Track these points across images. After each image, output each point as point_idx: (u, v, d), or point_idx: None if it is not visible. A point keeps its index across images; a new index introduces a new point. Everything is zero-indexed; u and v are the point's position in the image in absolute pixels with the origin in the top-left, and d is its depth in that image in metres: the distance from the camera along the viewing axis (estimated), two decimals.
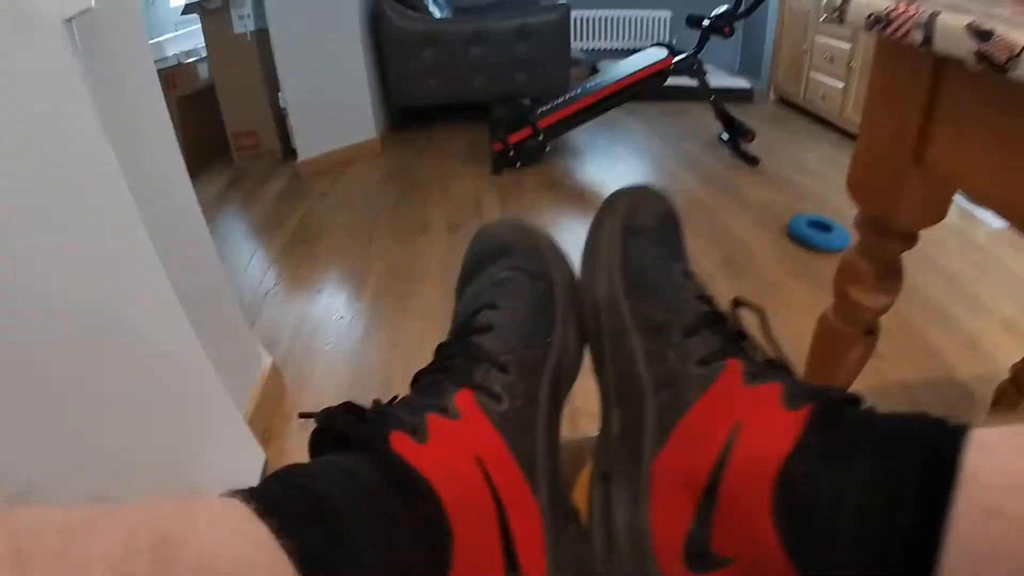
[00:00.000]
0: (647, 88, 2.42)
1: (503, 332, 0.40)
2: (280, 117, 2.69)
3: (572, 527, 0.38)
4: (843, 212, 1.91)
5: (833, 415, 0.30)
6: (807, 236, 1.83)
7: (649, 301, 0.40)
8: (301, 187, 2.53)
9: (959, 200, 1.96)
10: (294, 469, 0.27)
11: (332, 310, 1.65)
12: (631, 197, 0.45)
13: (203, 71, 2.67)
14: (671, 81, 2.47)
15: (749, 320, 0.40)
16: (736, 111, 2.63)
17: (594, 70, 3.47)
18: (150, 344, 0.80)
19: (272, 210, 2.33)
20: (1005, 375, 0.81)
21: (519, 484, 0.35)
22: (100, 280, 0.71)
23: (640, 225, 0.44)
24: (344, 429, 0.30)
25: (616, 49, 3.90)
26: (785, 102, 3.37)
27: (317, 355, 1.44)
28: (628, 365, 0.39)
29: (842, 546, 0.26)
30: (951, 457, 0.24)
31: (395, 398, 0.35)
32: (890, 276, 0.70)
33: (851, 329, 0.72)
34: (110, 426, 0.70)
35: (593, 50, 3.92)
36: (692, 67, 2.43)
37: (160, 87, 1.00)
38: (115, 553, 0.17)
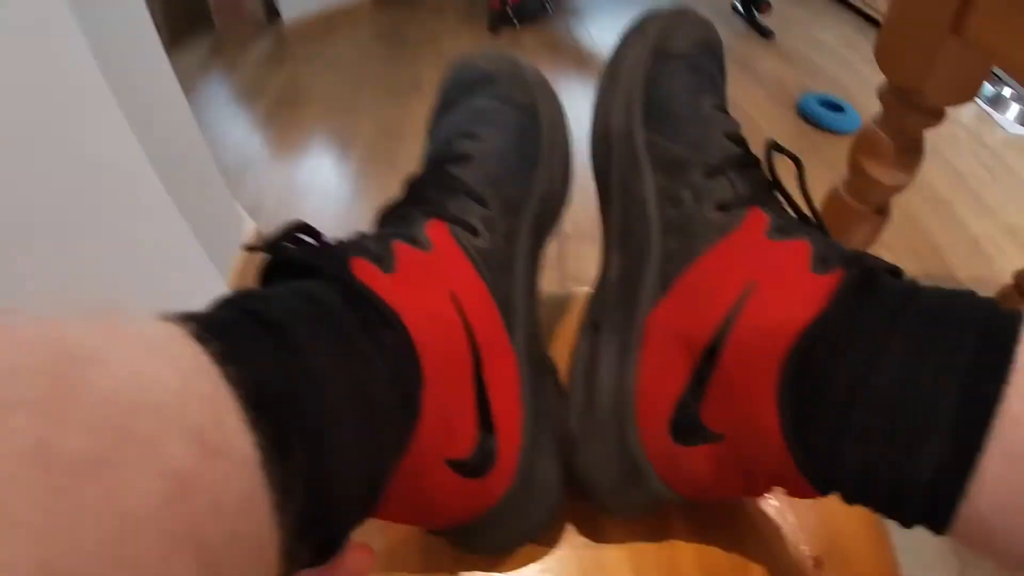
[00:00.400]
0: None
1: (483, 163, 0.35)
2: None
3: (550, 380, 0.35)
4: (856, 95, 1.83)
5: (869, 284, 0.24)
6: (818, 115, 1.76)
7: (670, 133, 0.34)
8: (286, 50, 2.37)
9: (978, 102, 1.88)
10: (245, 293, 0.22)
11: (319, 174, 1.60)
12: (666, 19, 0.38)
13: None
14: None
15: (784, 170, 0.34)
16: None
17: None
18: (122, 204, 0.77)
19: (256, 75, 2.21)
20: (1005, 280, 0.80)
21: (496, 327, 0.31)
22: (68, 146, 0.67)
23: (672, 50, 0.37)
24: (297, 256, 0.25)
25: None
26: None
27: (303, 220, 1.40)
28: (636, 204, 0.34)
29: (856, 438, 0.22)
30: (1005, 346, 0.20)
31: (357, 233, 0.30)
32: (910, 153, 0.66)
33: (862, 206, 0.69)
34: (85, 276, 0.68)
35: None
36: None
37: None
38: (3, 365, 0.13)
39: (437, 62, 2.16)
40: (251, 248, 0.26)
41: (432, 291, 0.28)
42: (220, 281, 1.03)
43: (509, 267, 0.34)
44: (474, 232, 0.33)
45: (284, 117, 1.89)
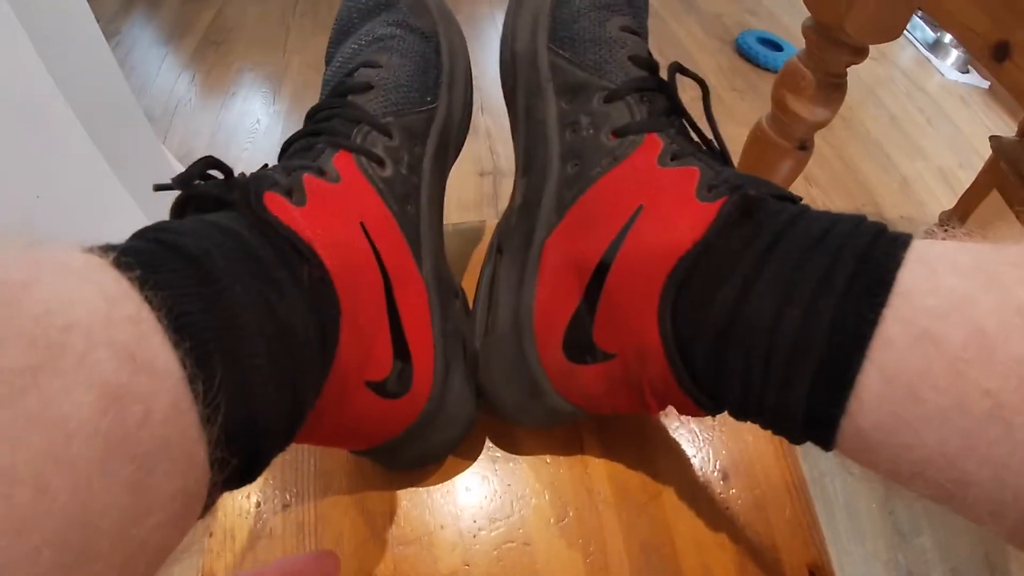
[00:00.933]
0: None
1: (384, 92, 0.35)
2: None
3: (456, 304, 0.36)
4: (796, 35, 1.83)
5: (752, 210, 0.25)
6: (756, 52, 1.77)
7: (573, 56, 0.34)
8: None
9: (918, 46, 1.90)
10: (158, 225, 0.22)
11: (248, 114, 1.55)
12: None
13: None
14: None
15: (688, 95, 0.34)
16: None
17: None
18: (44, 152, 0.73)
19: (180, 13, 2.08)
20: (933, 221, 0.83)
21: (405, 255, 0.32)
22: None
23: None
24: (208, 192, 0.25)
25: None
26: None
27: (234, 164, 1.35)
28: (539, 129, 0.34)
29: (736, 362, 0.23)
30: (885, 269, 0.20)
31: (264, 167, 0.30)
32: (832, 89, 0.67)
33: (784, 142, 0.71)
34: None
35: None
36: None
37: None
38: None
39: None
40: (160, 187, 0.26)
41: (342, 222, 0.29)
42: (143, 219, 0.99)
43: (415, 197, 0.34)
44: (380, 163, 0.33)
45: (211, 56, 1.80)
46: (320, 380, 0.25)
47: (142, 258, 0.18)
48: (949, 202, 1.08)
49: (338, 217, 0.29)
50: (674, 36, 1.87)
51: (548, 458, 0.37)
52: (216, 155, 0.27)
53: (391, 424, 0.31)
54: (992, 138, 0.70)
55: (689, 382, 0.26)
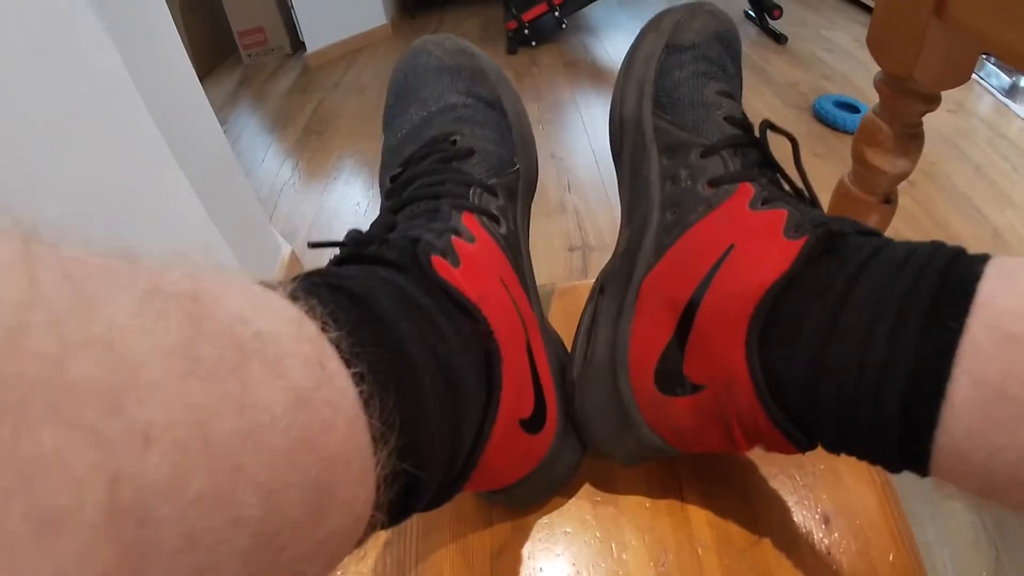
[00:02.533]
0: None
1: (484, 157, 0.38)
2: (286, 9, 2.58)
3: (559, 348, 0.39)
4: (870, 95, 1.79)
5: (836, 244, 0.26)
6: (833, 116, 1.77)
7: (675, 118, 0.37)
8: (312, 79, 2.47)
9: (995, 93, 1.86)
10: (323, 270, 0.24)
11: (349, 197, 1.66)
12: (681, 13, 0.41)
13: None
14: None
15: (782, 150, 0.36)
16: None
17: None
18: (166, 234, 0.82)
19: (284, 104, 2.29)
20: None
21: (528, 304, 0.35)
22: (117, 177, 0.71)
23: (685, 41, 0.40)
24: (381, 256, 0.27)
25: None
26: None
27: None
28: (642, 183, 0.37)
29: (828, 389, 0.24)
30: (966, 282, 0.21)
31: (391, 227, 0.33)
32: (910, 140, 0.67)
33: (868, 196, 0.70)
34: None
35: None
36: None
37: None
38: (141, 298, 0.13)
39: None
40: (316, 244, 0.30)
41: (489, 278, 0.31)
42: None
43: (520, 249, 0.38)
44: (496, 221, 0.36)
45: (313, 144, 1.95)
46: (489, 425, 0.27)
47: (313, 292, 0.20)
48: None
49: (486, 274, 0.31)
50: (753, 109, 1.89)
51: (648, 502, 0.38)
52: (318, 234, 0.31)
53: (531, 459, 0.33)
54: None
55: (779, 413, 0.26)
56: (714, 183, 0.34)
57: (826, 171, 1.56)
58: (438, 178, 0.36)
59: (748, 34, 2.48)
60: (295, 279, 0.22)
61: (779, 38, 2.39)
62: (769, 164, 0.35)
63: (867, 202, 0.71)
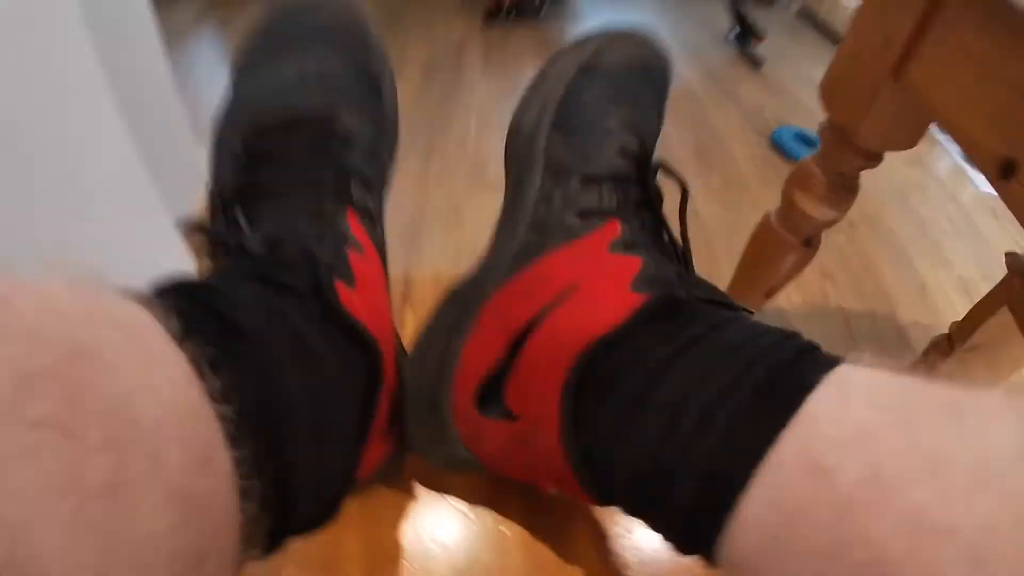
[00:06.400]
0: None
1: (361, 143, 0.35)
2: None
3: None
4: None
5: (673, 310, 0.25)
6: (789, 147, 1.79)
7: (568, 141, 0.35)
8: None
9: (954, 156, 1.92)
10: (217, 293, 0.23)
11: None
12: (607, 38, 0.38)
13: None
14: None
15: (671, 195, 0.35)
16: (754, 13, 2.49)
17: None
18: (84, 151, 0.77)
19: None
20: (945, 330, 0.82)
21: (392, 312, 0.35)
22: (37, 95, 0.67)
23: (602, 65, 0.37)
24: (276, 278, 0.26)
25: None
26: (806, 16, 3.18)
27: None
28: (520, 198, 0.36)
29: (626, 461, 0.23)
30: (796, 391, 0.19)
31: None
32: (842, 191, 0.68)
33: (789, 236, 0.71)
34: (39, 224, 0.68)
35: None
36: None
37: None
38: (18, 368, 0.12)
39: (424, 44, 2.18)
40: (194, 228, 0.28)
41: (378, 295, 0.31)
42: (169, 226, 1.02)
43: (385, 247, 0.36)
44: (372, 222, 0.34)
45: None
46: (360, 453, 0.28)
47: (201, 330, 0.19)
48: (965, 311, 1.06)
49: (375, 291, 0.31)
50: (711, 123, 1.92)
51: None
52: None
53: (378, 463, 0.33)
54: (1008, 254, 0.70)
55: (579, 463, 0.26)
56: (583, 215, 0.33)
57: (772, 200, 1.57)
58: (315, 162, 0.33)
59: (726, 55, 2.51)
60: (184, 288, 0.22)
61: (755, 62, 2.41)
62: (650, 206, 0.34)
63: (788, 241, 0.72)
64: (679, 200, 0.34)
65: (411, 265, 1.22)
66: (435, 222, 1.35)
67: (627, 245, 0.31)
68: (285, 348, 0.23)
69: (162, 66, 1.07)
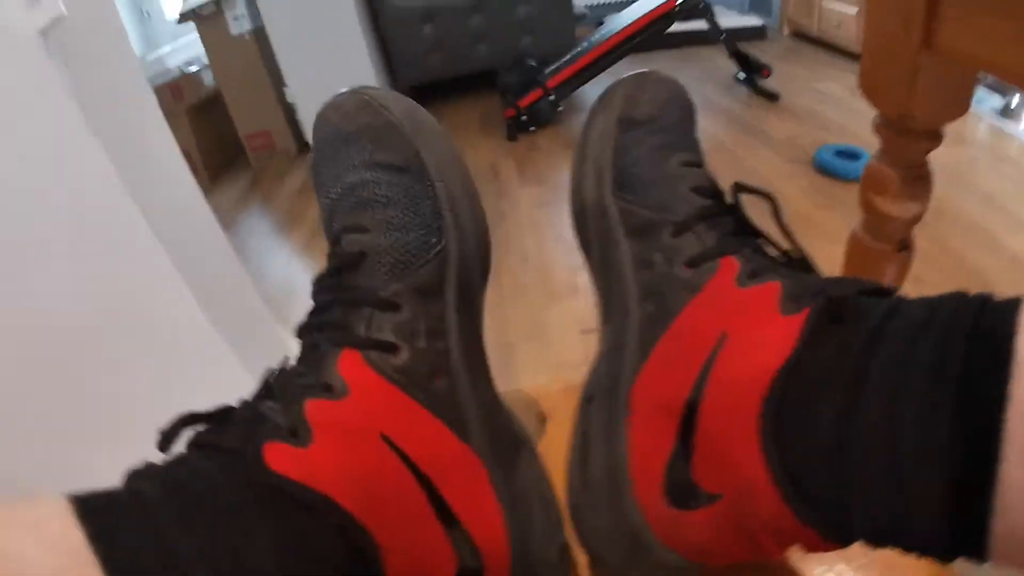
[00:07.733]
0: (655, 32, 2.34)
1: (379, 255, 0.30)
2: (290, 112, 2.68)
3: (525, 454, 0.34)
4: (869, 140, 1.81)
5: (839, 314, 0.23)
6: (835, 166, 1.77)
7: (639, 198, 0.33)
8: None
9: (989, 118, 1.86)
10: (147, 471, 0.22)
11: None
12: (629, 85, 0.37)
13: (208, 78, 2.67)
14: (680, 27, 2.39)
15: (760, 211, 0.33)
16: (750, 49, 2.54)
17: (600, 24, 3.39)
18: (166, 342, 0.81)
19: (293, 205, 2.34)
20: None
21: (441, 440, 0.29)
22: (114, 292, 0.72)
23: (638, 115, 0.36)
24: (209, 440, 0.24)
25: (620, 1, 3.79)
26: (800, 35, 3.24)
27: None
28: (615, 273, 0.34)
29: (859, 482, 0.21)
30: (1001, 341, 0.18)
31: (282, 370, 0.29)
32: (918, 181, 0.65)
33: (883, 245, 0.68)
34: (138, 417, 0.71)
35: (596, 5, 3.82)
36: (699, 6, 2.34)
37: (152, 95, 1.00)
38: None
39: None
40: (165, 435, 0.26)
41: (358, 445, 0.26)
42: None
43: (444, 366, 0.31)
44: (393, 350, 0.29)
45: (324, 244, 1.98)
46: None
47: (106, 519, 0.19)
48: None
49: (352, 441, 0.26)
50: (752, 169, 1.92)
51: None
52: None
53: None
54: None
55: (810, 512, 0.23)
56: (692, 263, 0.30)
57: (835, 222, 1.54)
58: (324, 299, 0.31)
59: (741, 97, 2.54)
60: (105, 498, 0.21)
61: (772, 96, 2.43)
62: (749, 231, 0.32)
63: (883, 251, 0.68)
64: (772, 214, 0.32)
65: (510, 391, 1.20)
66: (520, 342, 1.33)
67: (752, 274, 0.29)
68: (200, 537, 0.21)
69: (224, 248, 1.14)
